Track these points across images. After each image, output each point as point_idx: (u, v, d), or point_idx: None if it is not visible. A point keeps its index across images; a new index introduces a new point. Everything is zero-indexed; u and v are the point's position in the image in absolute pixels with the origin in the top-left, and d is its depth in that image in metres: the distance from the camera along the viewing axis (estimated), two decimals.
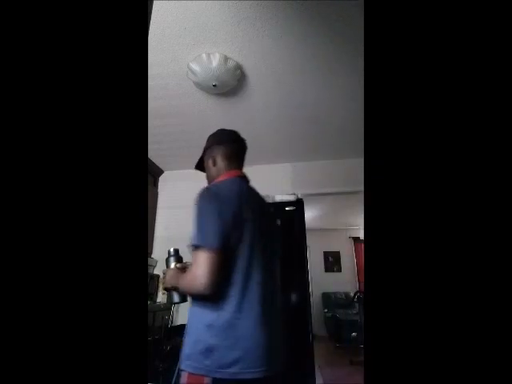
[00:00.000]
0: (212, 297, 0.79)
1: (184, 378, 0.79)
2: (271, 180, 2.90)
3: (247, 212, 0.87)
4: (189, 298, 0.91)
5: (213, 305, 0.80)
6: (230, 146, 1.03)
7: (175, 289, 0.97)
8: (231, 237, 0.82)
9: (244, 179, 1.01)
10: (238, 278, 0.81)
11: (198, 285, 0.79)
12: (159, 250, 1.73)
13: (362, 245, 5.75)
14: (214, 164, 1.02)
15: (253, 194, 0.99)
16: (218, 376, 0.75)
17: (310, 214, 4.46)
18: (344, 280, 5.86)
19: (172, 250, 1.06)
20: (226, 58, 1.51)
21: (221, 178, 0.98)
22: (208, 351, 0.76)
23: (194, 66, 1.55)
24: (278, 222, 2.30)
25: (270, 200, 2.59)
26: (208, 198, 0.86)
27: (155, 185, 3.07)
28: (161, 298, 2.64)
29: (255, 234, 0.87)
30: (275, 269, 0.97)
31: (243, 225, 0.85)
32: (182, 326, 2.00)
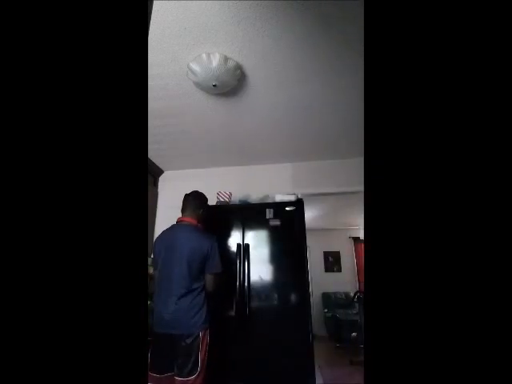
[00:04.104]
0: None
1: None
2: (271, 180, 2.90)
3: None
4: None
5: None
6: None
7: None
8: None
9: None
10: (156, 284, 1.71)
11: None
12: None
13: (362, 245, 5.75)
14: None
15: (167, 234, 1.81)
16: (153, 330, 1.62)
17: (309, 214, 4.47)
18: (344, 280, 5.86)
19: None
20: (226, 58, 1.51)
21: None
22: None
23: (194, 66, 1.55)
24: (278, 223, 2.30)
25: (270, 200, 2.60)
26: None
27: (155, 185, 3.07)
28: None
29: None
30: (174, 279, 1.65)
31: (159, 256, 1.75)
32: None
